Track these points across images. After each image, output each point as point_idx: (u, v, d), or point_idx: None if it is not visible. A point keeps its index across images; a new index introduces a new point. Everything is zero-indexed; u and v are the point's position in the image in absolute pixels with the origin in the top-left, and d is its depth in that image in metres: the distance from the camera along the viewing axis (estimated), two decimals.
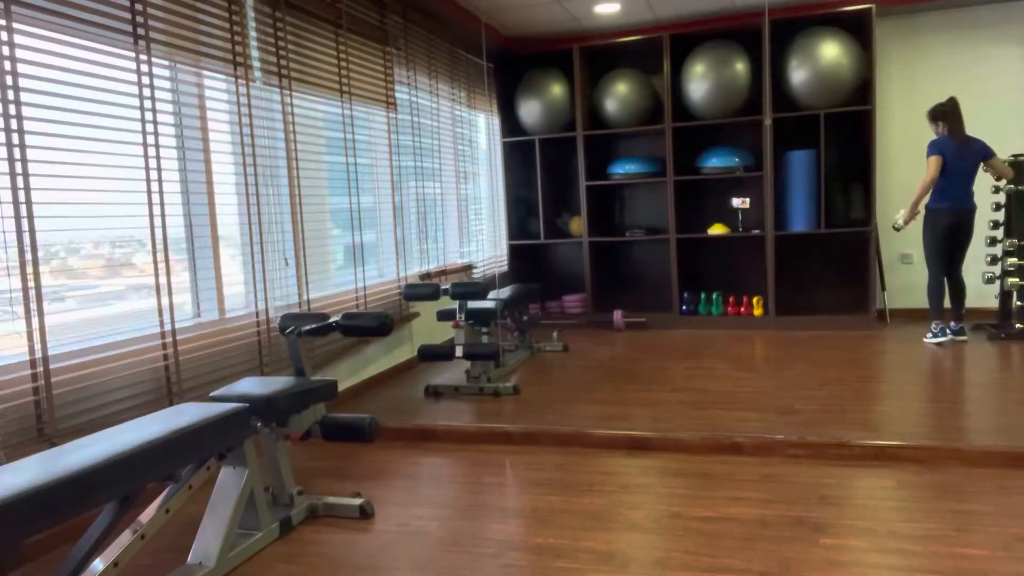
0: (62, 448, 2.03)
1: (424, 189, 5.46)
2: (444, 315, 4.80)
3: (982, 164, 5.12)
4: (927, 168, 5.02)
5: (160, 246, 3.07)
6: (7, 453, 2.42)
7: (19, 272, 2.49)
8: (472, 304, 4.65)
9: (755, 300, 6.34)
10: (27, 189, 2.51)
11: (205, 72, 3.43)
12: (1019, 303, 5.28)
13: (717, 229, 6.41)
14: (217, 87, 3.56)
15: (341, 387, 4.35)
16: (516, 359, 5.22)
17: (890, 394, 3.98)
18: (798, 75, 5.82)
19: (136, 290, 3.15)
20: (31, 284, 2.51)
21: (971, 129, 6.08)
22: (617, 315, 6.49)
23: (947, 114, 5.10)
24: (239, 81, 3.56)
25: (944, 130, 5.11)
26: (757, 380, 4.40)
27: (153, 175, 3.04)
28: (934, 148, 5.05)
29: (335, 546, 2.59)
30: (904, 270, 6.30)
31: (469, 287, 4.44)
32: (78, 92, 2.76)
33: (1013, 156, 5.37)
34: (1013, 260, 5.31)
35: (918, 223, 5.34)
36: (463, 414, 4.03)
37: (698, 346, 5.59)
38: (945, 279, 5.23)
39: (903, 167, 6.24)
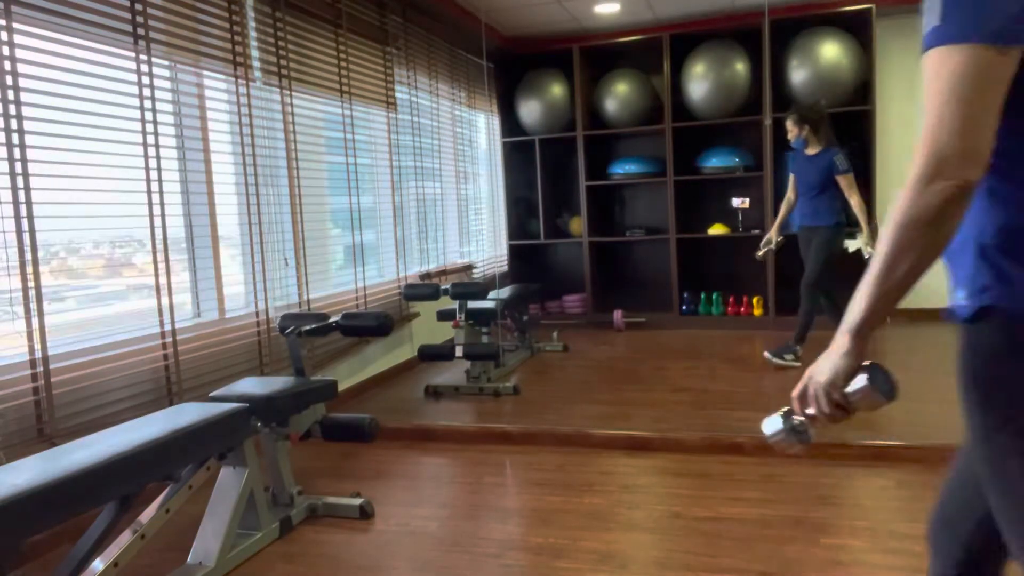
0: (62, 448, 2.03)
1: (424, 189, 5.46)
2: (444, 315, 4.80)
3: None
4: (854, 187, 4.52)
5: (160, 246, 3.07)
6: (7, 453, 2.42)
7: (19, 272, 2.49)
8: (472, 304, 4.65)
9: (755, 300, 6.34)
10: (27, 189, 2.51)
11: (205, 72, 3.43)
12: None
13: (717, 229, 6.41)
14: (217, 87, 3.56)
15: (341, 387, 4.35)
16: (516, 359, 5.22)
17: None
18: (798, 75, 5.82)
19: (136, 290, 3.15)
20: (31, 284, 2.51)
21: None
22: (617, 315, 6.49)
23: (825, 120, 4.58)
24: (239, 81, 3.56)
25: (816, 138, 4.57)
26: (757, 380, 4.40)
27: (153, 175, 3.04)
28: (850, 164, 4.52)
29: (335, 546, 2.59)
30: None
31: (469, 287, 4.44)
32: (78, 92, 2.76)
33: None
34: None
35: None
36: (463, 414, 4.03)
37: (698, 346, 5.59)
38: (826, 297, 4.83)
39: (903, 167, 6.24)
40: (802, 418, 1.13)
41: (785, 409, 1.15)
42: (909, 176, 0.92)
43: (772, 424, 1.17)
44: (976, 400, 0.98)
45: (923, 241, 0.93)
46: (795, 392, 1.11)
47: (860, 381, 1.04)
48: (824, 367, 1.06)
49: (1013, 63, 0.89)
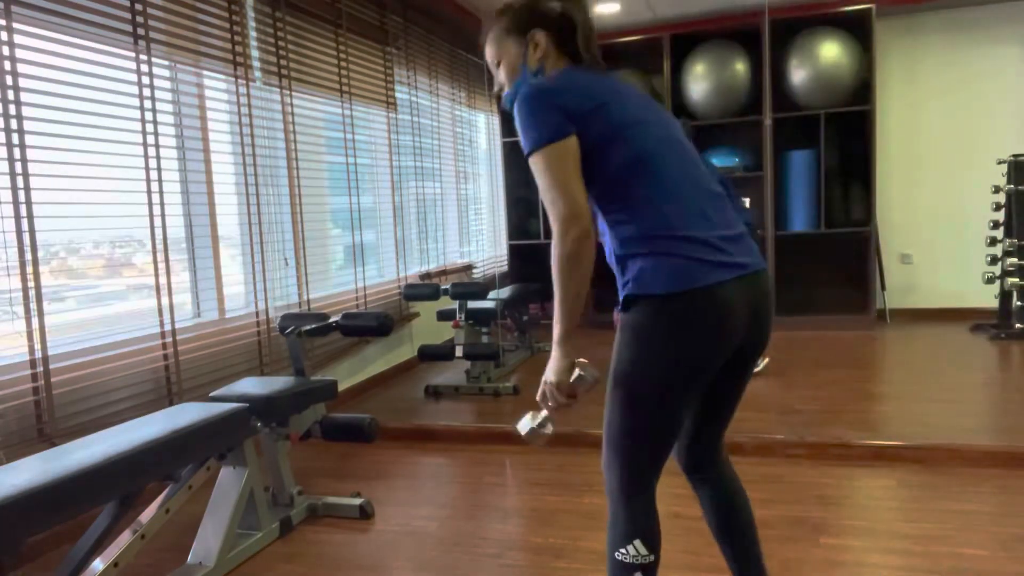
0: (62, 448, 2.03)
1: (424, 189, 5.46)
2: (444, 315, 4.80)
3: None
4: None
5: (160, 246, 3.07)
6: (7, 453, 2.42)
7: (19, 272, 2.49)
8: (472, 304, 4.65)
9: None
10: (27, 189, 2.51)
11: (205, 72, 3.43)
12: (1019, 303, 5.28)
13: None
14: (217, 87, 3.56)
15: (341, 387, 4.35)
16: (516, 359, 5.22)
17: (890, 394, 3.98)
18: (798, 75, 5.82)
19: (136, 290, 3.15)
20: (31, 284, 2.51)
21: (972, 129, 6.10)
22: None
23: None
24: (239, 81, 3.56)
25: None
26: (757, 380, 4.40)
27: (153, 175, 3.04)
28: None
29: (335, 546, 2.59)
30: (904, 270, 6.30)
31: (469, 287, 4.44)
32: (78, 92, 2.76)
33: (1013, 156, 5.37)
34: (1013, 260, 5.31)
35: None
36: (463, 414, 4.03)
37: None
38: None
39: (903, 167, 6.25)
40: (544, 413, 1.61)
41: (530, 413, 1.62)
42: (554, 236, 1.46)
43: (523, 424, 1.61)
44: (631, 340, 1.54)
45: (577, 271, 1.48)
46: (538, 396, 1.61)
47: (575, 374, 1.55)
48: (551, 372, 1.57)
49: (574, 146, 1.47)
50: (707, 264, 1.46)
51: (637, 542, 1.55)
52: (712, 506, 1.80)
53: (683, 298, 1.45)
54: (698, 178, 1.55)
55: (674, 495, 2.89)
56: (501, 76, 1.69)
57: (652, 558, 1.56)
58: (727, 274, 1.48)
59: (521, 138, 1.50)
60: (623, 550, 1.56)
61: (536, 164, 1.47)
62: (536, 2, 1.64)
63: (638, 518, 1.56)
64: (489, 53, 1.70)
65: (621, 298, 1.55)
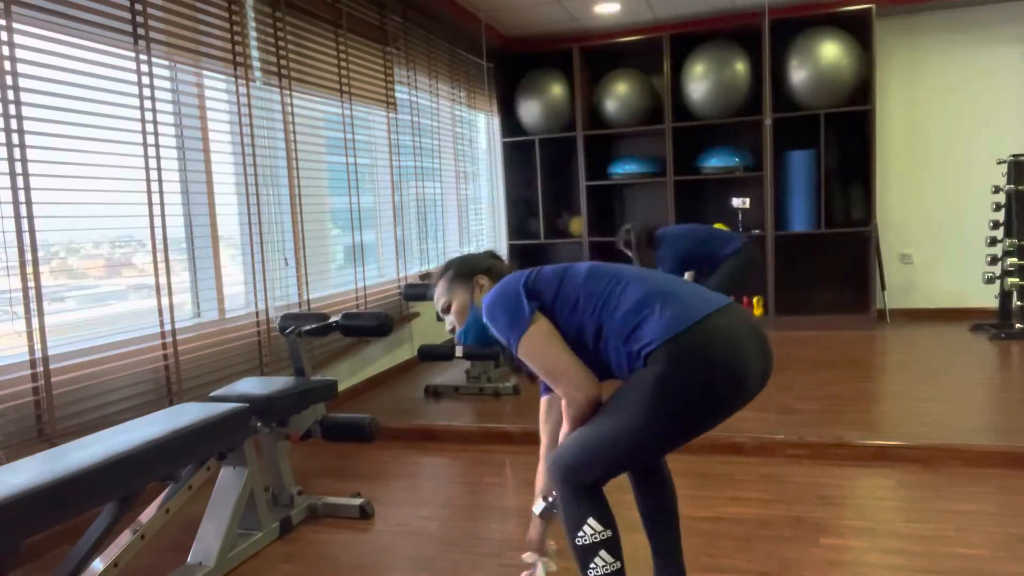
0: (62, 448, 2.03)
1: (424, 189, 5.46)
2: None
3: None
4: None
5: (160, 246, 3.07)
6: (7, 453, 2.42)
7: (19, 272, 2.49)
8: None
9: (755, 300, 6.34)
10: (27, 189, 2.51)
11: (205, 72, 3.43)
12: (1019, 303, 5.28)
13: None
14: (217, 87, 3.56)
15: (341, 387, 4.35)
16: None
17: (890, 394, 3.98)
18: (798, 75, 5.82)
19: (136, 290, 3.15)
20: (31, 284, 2.51)
21: (972, 129, 6.10)
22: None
23: None
24: (239, 81, 3.56)
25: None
26: None
27: (153, 175, 3.04)
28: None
29: (335, 546, 2.59)
30: (904, 270, 6.30)
31: None
32: (78, 92, 2.76)
33: (1013, 156, 5.37)
34: (1013, 260, 5.31)
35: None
36: (463, 414, 4.03)
37: None
38: None
39: (903, 167, 6.25)
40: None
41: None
42: (564, 401, 1.72)
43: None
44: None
45: (583, 421, 1.71)
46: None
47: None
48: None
49: (547, 322, 1.73)
50: (695, 305, 1.65)
51: (591, 520, 1.66)
52: (647, 502, 1.93)
53: (692, 331, 1.60)
54: (655, 276, 1.78)
55: None
56: (452, 317, 1.94)
57: (610, 533, 1.67)
58: (712, 306, 1.66)
59: (502, 330, 1.78)
60: (580, 533, 1.67)
61: (523, 349, 1.75)
62: (474, 255, 2.01)
63: (584, 502, 1.68)
64: (440, 301, 1.96)
65: (642, 359, 1.65)
